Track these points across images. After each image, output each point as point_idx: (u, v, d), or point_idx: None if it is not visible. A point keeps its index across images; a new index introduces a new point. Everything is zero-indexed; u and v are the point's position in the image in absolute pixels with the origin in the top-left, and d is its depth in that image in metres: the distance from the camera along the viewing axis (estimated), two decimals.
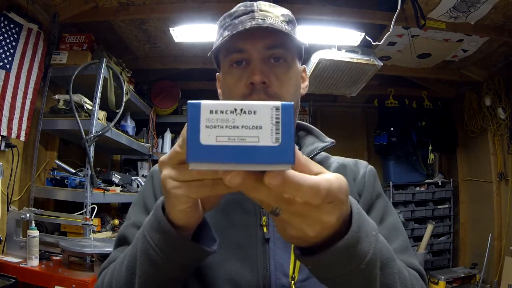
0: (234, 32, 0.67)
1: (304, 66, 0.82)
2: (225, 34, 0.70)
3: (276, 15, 0.70)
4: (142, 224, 0.60)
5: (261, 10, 0.70)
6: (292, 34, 0.69)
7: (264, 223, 0.68)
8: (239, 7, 0.72)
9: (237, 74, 0.71)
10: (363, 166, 0.81)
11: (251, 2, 0.72)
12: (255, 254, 0.65)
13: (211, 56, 0.79)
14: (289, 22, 0.72)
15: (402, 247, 0.69)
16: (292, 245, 0.62)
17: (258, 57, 0.69)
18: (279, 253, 0.66)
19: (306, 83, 0.82)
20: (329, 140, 0.78)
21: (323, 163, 0.80)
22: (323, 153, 0.81)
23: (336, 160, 0.82)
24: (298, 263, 0.63)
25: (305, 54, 0.82)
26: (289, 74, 0.72)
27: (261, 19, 0.68)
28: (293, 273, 0.63)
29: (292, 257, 0.64)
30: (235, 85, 0.71)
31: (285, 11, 0.73)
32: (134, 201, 0.79)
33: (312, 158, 0.74)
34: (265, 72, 0.69)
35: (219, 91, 0.82)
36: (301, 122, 0.86)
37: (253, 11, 0.69)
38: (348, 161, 0.82)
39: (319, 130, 0.84)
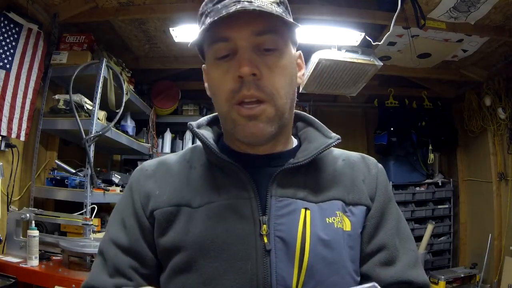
0: (216, 18, 0.57)
1: (300, 51, 0.72)
2: (207, 22, 0.61)
3: None
4: (119, 242, 0.59)
5: None
6: (284, 17, 0.60)
7: (264, 232, 0.62)
8: None
9: (224, 67, 0.62)
10: (373, 165, 0.75)
11: None
12: (255, 267, 0.60)
13: (193, 47, 0.68)
14: (280, 3, 0.64)
15: (414, 259, 0.68)
16: (296, 257, 0.60)
17: (246, 45, 0.60)
18: (282, 266, 0.60)
19: (303, 70, 0.73)
20: (334, 136, 0.71)
21: (325, 157, 0.72)
22: None
23: (340, 156, 0.75)
24: (302, 276, 0.60)
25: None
26: (282, 63, 0.63)
27: (247, 1, 0.58)
28: (297, 287, 0.59)
29: (296, 270, 0.60)
30: (222, 80, 0.62)
31: None
32: (113, 212, 0.73)
33: (316, 156, 0.68)
34: (254, 62, 0.60)
35: (206, 84, 0.71)
36: (299, 112, 0.78)
37: None
38: (354, 157, 0.76)
39: (320, 122, 0.77)
